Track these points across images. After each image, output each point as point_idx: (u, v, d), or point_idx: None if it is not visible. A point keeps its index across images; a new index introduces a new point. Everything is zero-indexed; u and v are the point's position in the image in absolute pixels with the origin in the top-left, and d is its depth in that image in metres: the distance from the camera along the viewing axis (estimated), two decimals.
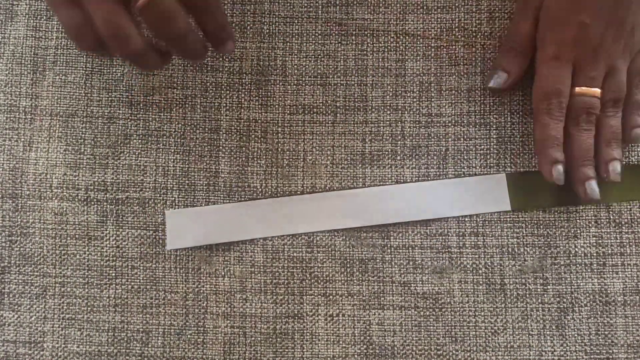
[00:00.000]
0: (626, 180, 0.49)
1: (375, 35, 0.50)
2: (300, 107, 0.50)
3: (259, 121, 0.50)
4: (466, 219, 0.49)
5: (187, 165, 0.50)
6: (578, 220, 0.49)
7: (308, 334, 0.48)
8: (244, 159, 0.50)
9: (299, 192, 0.49)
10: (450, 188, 0.49)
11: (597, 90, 0.47)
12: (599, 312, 0.48)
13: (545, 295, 0.48)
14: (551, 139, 0.47)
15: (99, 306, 0.49)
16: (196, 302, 0.49)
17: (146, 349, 0.48)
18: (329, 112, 0.50)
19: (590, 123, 0.47)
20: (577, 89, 0.47)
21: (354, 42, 0.50)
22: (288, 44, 0.50)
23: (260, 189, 0.49)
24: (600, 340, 0.48)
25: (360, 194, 0.49)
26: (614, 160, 0.47)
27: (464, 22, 0.51)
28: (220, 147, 0.50)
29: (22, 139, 0.50)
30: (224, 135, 0.50)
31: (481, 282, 0.48)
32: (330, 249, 0.49)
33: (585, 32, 0.46)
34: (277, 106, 0.50)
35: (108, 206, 0.49)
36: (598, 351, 0.48)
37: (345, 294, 0.49)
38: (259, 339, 0.48)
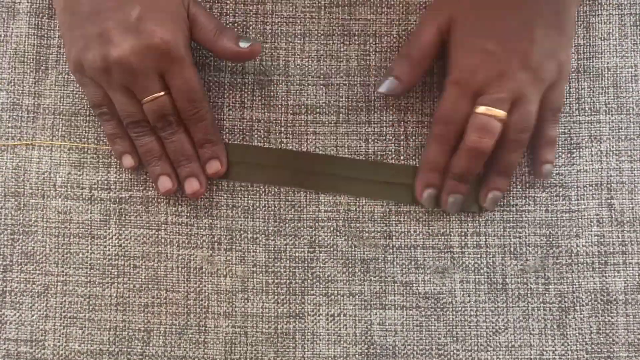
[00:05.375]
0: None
1: (378, 35, 0.50)
2: (303, 107, 0.50)
3: (262, 121, 0.50)
4: (468, 219, 0.49)
5: None
6: (580, 220, 0.49)
7: (309, 333, 0.48)
8: None
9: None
10: None
11: (500, 112, 0.44)
12: (600, 311, 0.48)
13: (546, 295, 0.48)
14: (431, 162, 0.47)
15: (101, 305, 0.49)
16: (198, 302, 0.49)
17: (147, 348, 0.48)
18: (332, 112, 0.50)
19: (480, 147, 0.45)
20: (478, 109, 0.45)
21: (357, 42, 0.50)
22: (291, 44, 0.51)
23: (263, 189, 0.49)
24: (602, 339, 0.48)
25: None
26: (495, 190, 0.48)
27: None
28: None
29: (25, 138, 0.50)
30: (227, 135, 0.50)
31: (483, 282, 0.49)
32: (332, 249, 0.49)
33: (490, 59, 0.44)
34: (279, 106, 0.50)
35: (111, 205, 0.49)
36: (599, 350, 0.48)
37: (347, 293, 0.49)
38: (260, 338, 0.48)
